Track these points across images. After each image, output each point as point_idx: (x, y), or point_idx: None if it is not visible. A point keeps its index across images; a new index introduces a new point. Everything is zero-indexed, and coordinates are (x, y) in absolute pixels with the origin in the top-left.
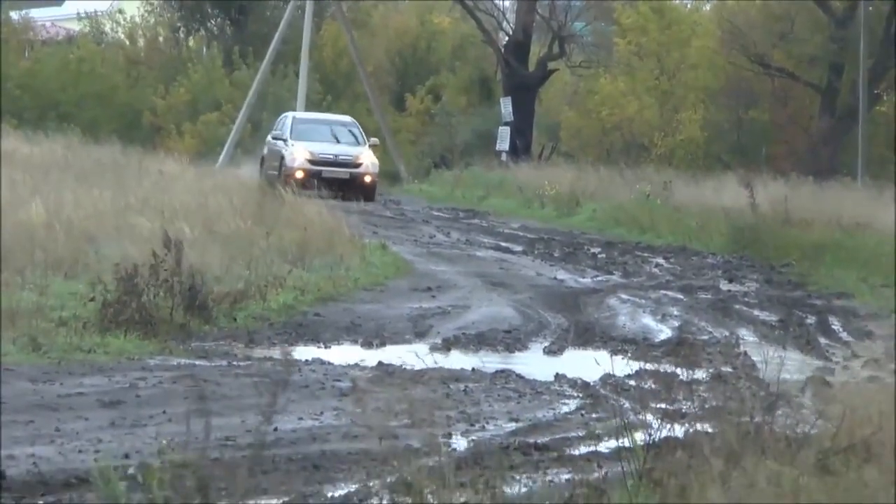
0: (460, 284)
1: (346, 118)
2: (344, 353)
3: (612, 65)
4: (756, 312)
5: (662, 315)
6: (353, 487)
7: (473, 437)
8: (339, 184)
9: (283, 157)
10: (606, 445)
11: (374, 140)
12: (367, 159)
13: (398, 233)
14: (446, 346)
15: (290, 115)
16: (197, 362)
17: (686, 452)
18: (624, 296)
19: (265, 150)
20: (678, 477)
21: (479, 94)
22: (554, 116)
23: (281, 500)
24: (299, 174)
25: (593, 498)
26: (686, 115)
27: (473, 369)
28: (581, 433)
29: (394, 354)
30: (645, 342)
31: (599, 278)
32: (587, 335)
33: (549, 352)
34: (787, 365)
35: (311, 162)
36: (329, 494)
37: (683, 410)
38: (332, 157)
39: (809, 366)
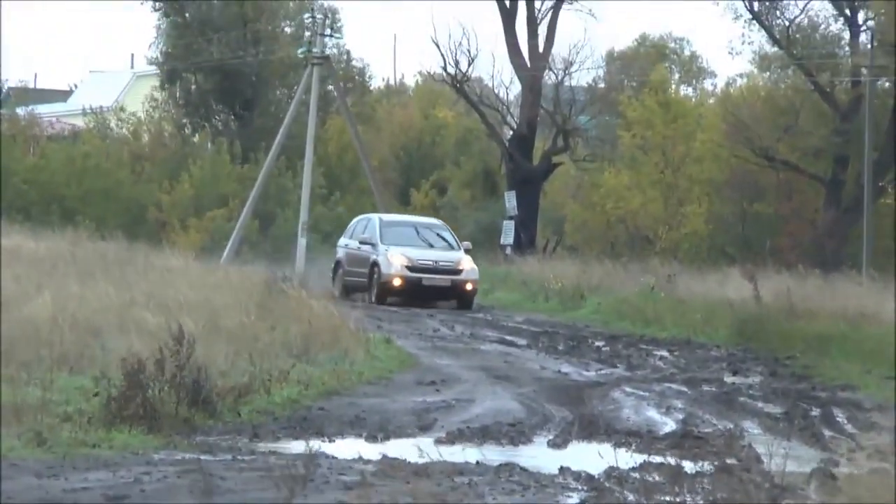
0: (464, 378)
1: (436, 221)
2: (348, 447)
3: (616, 158)
4: (760, 405)
5: (666, 408)
6: None
7: None
8: (440, 292)
9: (376, 264)
10: None
11: (468, 244)
12: (468, 265)
13: (402, 326)
14: (450, 439)
15: (373, 216)
16: (202, 457)
17: None
18: (628, 389)
19: (340, 255)
20: None
21: (484, 188)
22: (558, 210)
23: None
24: (397, 282)
25: None
26: (690, 209)
27: (478, 462)
28: None
29: (398, 448)
30: (649, 435)
31: (603, 371)
32: (591, 428)
33: (554, 445)
34: (791, 457)
35: (410, 269)
36: None
37: (688, 503)
38: (431, 263)
39: (814, 458)
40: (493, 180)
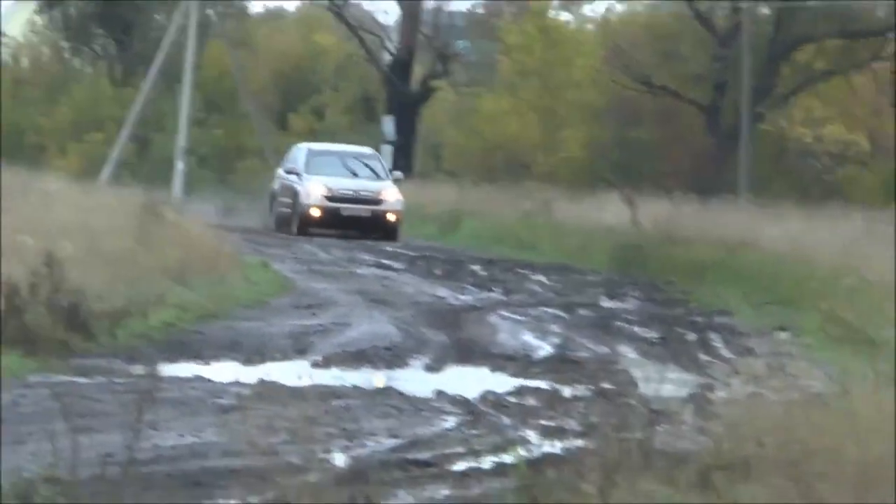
0: (341, 302)
1: (367, 150)
2: (225, 371)
3: (495, 83)
4: (637, 330)
5: (543, 332)
6: (233, 503)
7: (353, 454)
8: (360, 223)
9: (296, 194)
10: (486, 462)
11: (398, 174)
12: (391, 195)
13: (280, 251)
14: (327, 363)
15: (304, 146)
16: (77, 379)
17: (566, 469)
18: (504, 313)
19: (275, 186)
20: (558, 494)
21: (362, 114)
22: (437, 135)
23: None
24: (315, 212)
25: None
26: (569, 134)
27: (354, 386)
28: (461, 450)
29: (275, 372)
30: (525, 359)
31: (480, 296)
32: (467, 352)
33: (430, 369)
34: (667, 382)
35: (329, 199)
36: None
37: (564, 427)
38: (351, 193)
39: (690, 383)
40: (372, 106)
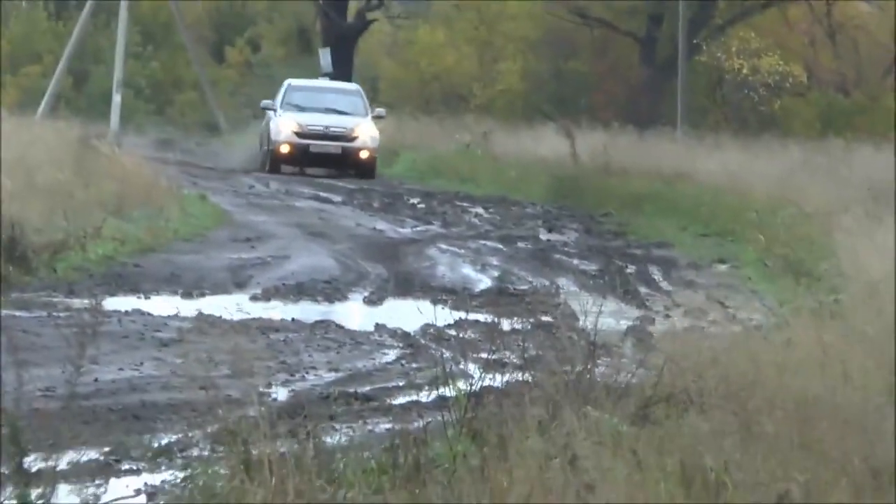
0: (280, 235)
1: (351, 86)
2: (164, 304)
3: (430, 15)
4: (576, 262)
5: (482, 265)
6: (173, 437)
7: (294, 387)
8: (331, 160)
9: (269, 131)
10: (427, 395)
11: (381, 111)
12: (365, 132)
13: (218, 184)
14: (266, 296)
15: (287, 82)
16: (17, 313)
17: (506, 402)
18: (443, 246)
19: (263, 123)
20: (498, 426)
21: (298, 46)
22: (373, 68)
23: (101, 450)
24: (284, 148)
25: (413, 447)
26: (505, 66)
27: (293, 319)
28: (401, 383)
29: (214, 305)
30: (465, 292)
31: (419, 228)
32: (407, 285)
33: (369, 302)
34: (607, 314)
35: (299, 135)
36: (150, 444)
37: (504, 360)
38: (321, 129)
39: (630, 315)
40: (308, 38)
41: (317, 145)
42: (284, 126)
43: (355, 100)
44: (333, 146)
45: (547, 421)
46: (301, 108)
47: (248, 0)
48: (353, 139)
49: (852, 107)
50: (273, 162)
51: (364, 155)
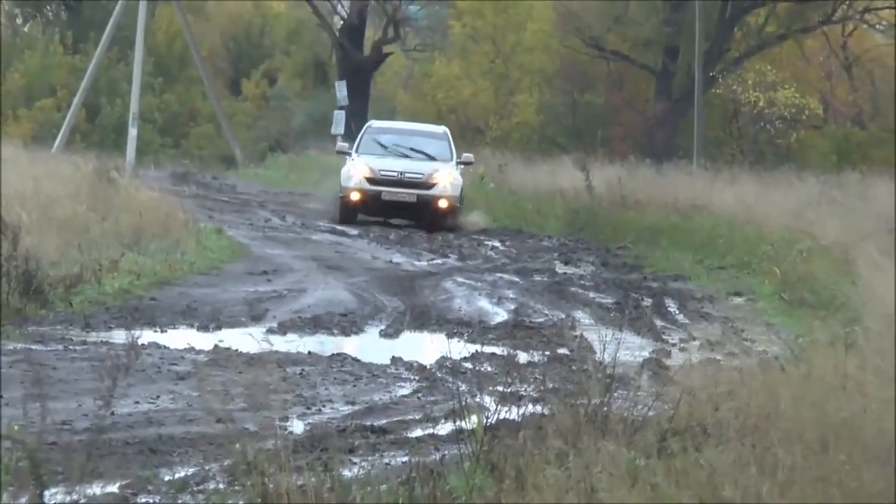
0: (296, 268)
1: (438, 128)
2: (180, 337)
3: (446, 48)
4: (592, 295)
5: (498, 298)
6: (190, 471)
7: (310, 420)
8: (405, 209)
9: (341, 177)
10: (443, 428)
11: (468, 156)
12: (445, 179)
13: (234, 217)
14: (282, 329)
15: (368, 123)
16: (33, 347)
17: (523, 434)
18: (459, 279)
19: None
20: (515, 459)
21: (315, 78)
22: (389, 100)
23: (117, 484)
24: (354, 196)
25: (430, 480)
26: (521, 99)
27: (310, 352)
28: (418, 416)
29: (230, 338)
30: (481, 325)
31: (435, 261)
32: (423, 318)
33: (386, 335)
34: (623, 347)
35: (371, 181)
36: (166, 478)
37: (521, 393)
38: (395, 174)
39: (646, 348)
40: (324, 70)
41: (389, 192)
42: (356, 171)
43: (441, 143)
44: (408, 194)
45: (564, 453)
46: (378, 152)
47: (265, 32)
48: (430, 186)
49: (868, 139)
50: (343, 211)
51: (443, 204)
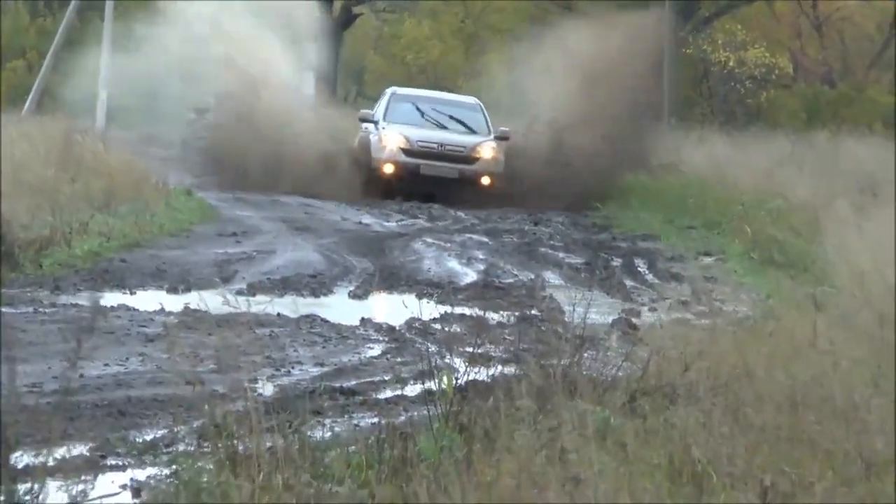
0: (265, 230)
1: (470, 99)
2: (149, 299)
3: (416, 8)
4: (562, 255)
5: (468, 259)
6: (159, 433)
7: (279, 382)
8: (445, 184)
9: (368, 147)
10: (412, 389)
11: (505, 130)
12: (489, 154)
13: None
14: (252, 290)
15: (389, 89)
16: (3, 309)
17: (493, 395)
18: (429, 240)
19: (357, 139)
20: (484, 420)
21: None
22: (359, 61)
23: (87, 446)
24: (389, 168)
25: (400, 442)
26: (491, 58)
27: (279, 314)
28: (387, 377)
29: (200, 300)
30: (451, 285)
31: (405, 222)
32: (392, 279)
33: (355, 296)
34: (593, 307)
35: (407, 153)
36: (135, 440)
37: (490, 354)
38: (436, 147)
39: (616, 308)
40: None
41: (429, 166)
42: (389, 141)
43: (476, 115)
44: (449, 168)
45: (534, 414)
46: (410, 121)
47: None
48: (473, 161)
49: (838, 98)
50: (376, 184)
51: (486, 181)
